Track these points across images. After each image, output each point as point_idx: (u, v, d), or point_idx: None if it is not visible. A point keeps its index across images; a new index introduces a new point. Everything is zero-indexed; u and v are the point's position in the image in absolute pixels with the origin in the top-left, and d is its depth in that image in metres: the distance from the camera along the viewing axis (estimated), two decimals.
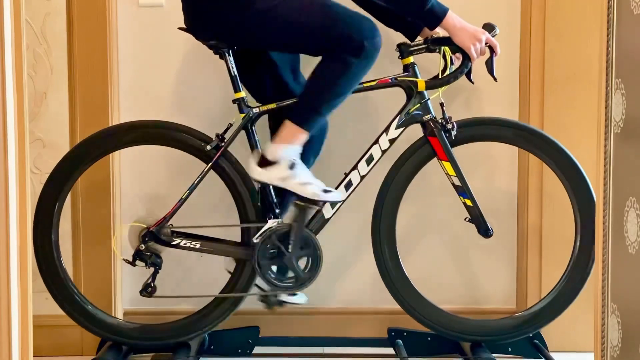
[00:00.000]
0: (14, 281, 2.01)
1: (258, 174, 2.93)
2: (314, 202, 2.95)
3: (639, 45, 2.11)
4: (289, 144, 2.90)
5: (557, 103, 3.26)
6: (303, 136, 2.92)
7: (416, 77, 3.01)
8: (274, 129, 3.04)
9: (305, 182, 2.92)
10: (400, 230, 3.11)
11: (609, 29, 2.25)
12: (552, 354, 3.13)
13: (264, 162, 2.92)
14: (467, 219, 3.06)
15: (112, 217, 3.23)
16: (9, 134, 1.98)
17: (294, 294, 3.03)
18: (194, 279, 3.34)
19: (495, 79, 2.98)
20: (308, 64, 3.01)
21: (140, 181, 3.32)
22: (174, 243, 3.01)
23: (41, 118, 3.21)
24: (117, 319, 3.17)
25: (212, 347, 3.21)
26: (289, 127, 2.90)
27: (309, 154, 3.05)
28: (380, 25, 3.07)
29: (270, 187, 2.99)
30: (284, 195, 3.01)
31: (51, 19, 3.18)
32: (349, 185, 3.02)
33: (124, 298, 3.32)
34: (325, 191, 2.94)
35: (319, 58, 2.92)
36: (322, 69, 2.90)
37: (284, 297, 3.02)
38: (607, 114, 2.26)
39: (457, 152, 3.04)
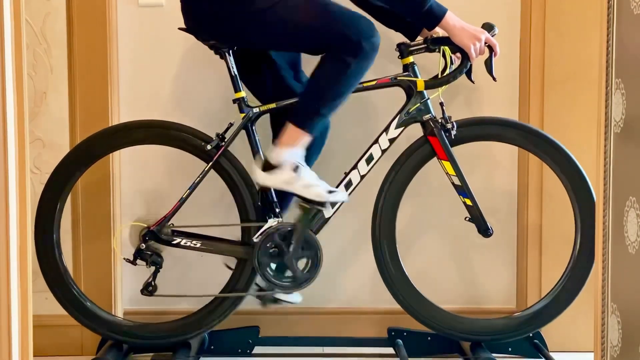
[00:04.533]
0: (14, 281, 2.01)
1: (262, 178, 2.93)
2: (319, 203, 2.95)
3: (639, 45, 2.11)
4: (292, 146, 2.90)
5: (557, 103, 3.26)
6: (306, 138, 2.91)
7: (416, 76, 3.01)
8: (276, 128, 3.04)
9: (309, 184, 2.92)
10: (400, 229, 3.10)
11: (609, 29, 2.25)
12: (552, 354, 3.13)
13: (268, 167, 2.92)
14: (467, 218, 3.07)
15: (112, 216, 3.23)
16: (9, 134, 1.98)
17: (290, 293, 3.04)
18: (194, 278, 3.34)
19: (494, 79, 2.98)
20: (308, 63, 3.01)
21: (140, 180, 3.32)
22: (174, 242, 3.02)
23: (41, 118, 3.21)
24: (117, 317, 3.18)
25: (212, 347, 3.21)
26: (291, 129, 2.90)
27: (310, 154, 3.05)
28: (379, 25, 3.07)
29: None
30: (285, 193, 3.02)
31: (51, 19, 3.18)
32: (349, 184, 3.02)
33: (124, 297, 3.32)
34: (330, 192, 2.94)
35: (319, 57, 2.93)
36: (321, 70, 2.90)
37: (279, 295, 3.03)
38: (607, 114, 2.26)
39: (457, 151, 3.04)
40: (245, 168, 3.01)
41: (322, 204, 2.95)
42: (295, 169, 2.90)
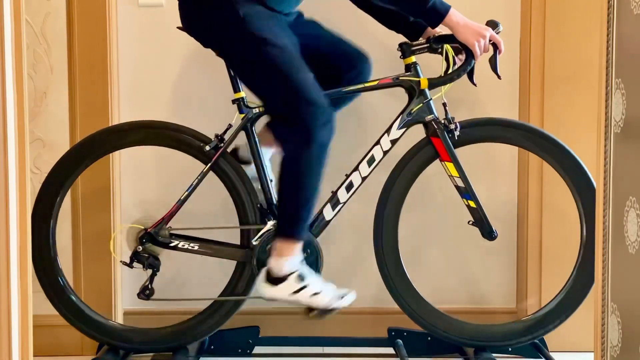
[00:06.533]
0: (14, 281, 2.01)
1: (270, 293, 2.91)
2: (328, 310, 2.92)
3: (639, 45, 2.11)
4: (288, 256, 2.88)
5: (557, 102, 3.26)
6: (298, 245, 2.90)
7: (418, 76, 2.98)
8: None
9: (316, 292, 2.90)
10: (402, 231, 3.10)
11: (609, 29, 2.25)
12: (552, 354, 3.13)
13: (272, 280, 2.90)
14: (470, 222, 3.04)
15: (112, 219, 3.23)
16: (9, 134, 1.98)
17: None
18: (193, 281, 3.34)
19: (499, 77, 2.93)
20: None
21: (139, 182, 3.32)
22: (172, 245, 2.99)
23: (41, 118, 3.21)
24: (115, 323, 3.15)
25: (212, 347, 3.21)
26: (281, 242, 2.88)
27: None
28: (381, 27, 3.06)
29: (271, 188, 2.98)
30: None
31: (51, 19, 3.18)
32: (350, 186, 3.00)
33: (125, 297, 3.31)
34: (338, 296, 2.91)
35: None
36: (282, 181, 2.87)
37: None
38: (607, 113, 2.27)
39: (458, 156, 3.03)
40: (244, 170, 3.01)
41: (331, 310, 2.92)
42: (299, 277, 2.89)
